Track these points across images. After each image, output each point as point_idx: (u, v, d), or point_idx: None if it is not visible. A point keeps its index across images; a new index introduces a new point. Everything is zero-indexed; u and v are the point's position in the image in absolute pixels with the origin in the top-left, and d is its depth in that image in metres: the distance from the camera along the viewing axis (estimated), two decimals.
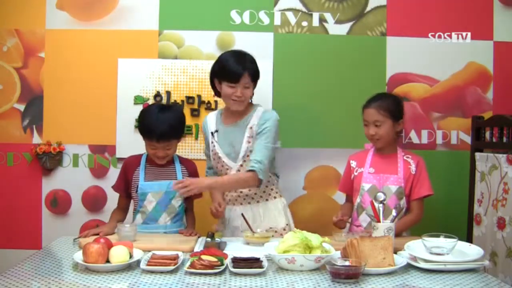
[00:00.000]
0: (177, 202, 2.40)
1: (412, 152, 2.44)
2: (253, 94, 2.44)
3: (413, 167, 2.33)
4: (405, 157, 2.36)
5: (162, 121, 2.30)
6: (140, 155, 2.47)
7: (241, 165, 2.39)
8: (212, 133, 2.48)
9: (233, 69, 2.31)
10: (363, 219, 2.34)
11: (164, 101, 2.98)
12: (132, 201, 2.49)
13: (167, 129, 2.31)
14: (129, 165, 2.45)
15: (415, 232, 2.30)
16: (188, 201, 2.51)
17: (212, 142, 2.47)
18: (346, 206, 2.48)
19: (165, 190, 2.37)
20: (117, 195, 3.00)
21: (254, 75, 2.36)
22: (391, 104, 2.34)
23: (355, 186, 2.39)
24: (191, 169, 2.50)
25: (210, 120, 2.53)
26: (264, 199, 2.45)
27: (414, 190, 2.31)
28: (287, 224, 2.45)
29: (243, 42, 2.98)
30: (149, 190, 2.36)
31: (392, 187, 2.30)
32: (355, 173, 2.42)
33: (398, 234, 2.17)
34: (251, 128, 2.40)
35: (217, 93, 2.46)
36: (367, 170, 2.36)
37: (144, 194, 2.37)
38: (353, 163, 2.45)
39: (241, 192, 2.42)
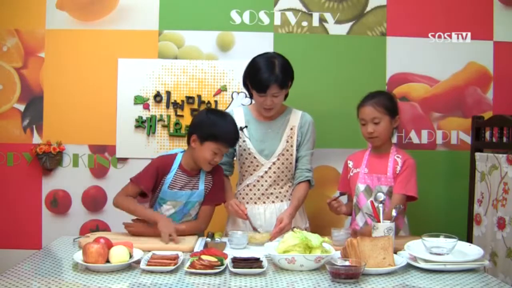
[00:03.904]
0: (194, 211, 2.34)
1: (404, 152, 2.39)
2: (287, 95, 2.43)
3: (399, 167, 2.29)
4: (395, 157, 2.33)
5: (235, 125, 2.30)
6: (173, 159, 2.30)
7: (274, 163, 2.40)
8: (241, 128, 2.42)
9: (260, 80, 2.28)
10: (360, 218, 2.34)
11: (164, 101, 2.98)
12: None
13: (238, 134, 2.33)
14: (163, 167, 2.28)
15: (415, 232, 2.30)
16: (210, 207, 2.38)
17: (240, 138, 2.41)
18: (348, 205, 2.47)
19: (185, 200, 2.29)
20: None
21: (282, 84, 2.30)
22: (386, 101, 2.32)
23: (351, 186, 2.39)
24: (217, 176, 2.36)
25: (238, 115, 2.47)
26: (287, 198, 2.44)
27: (394, 188, 2.28)
28: (307, 226, 2.47)
29: (243, 42, 2.99)
30: (169, 198, 2.28)
31: (383, 187, 2.28)
32: (351, 174, 2.41)
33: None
34: (291, 129, 2.43)
35: (251, 95, 2.45)
36: (362, 171, 2.35)
37: (163, 200, 2.29)
38: (350, 163, 2.44)
39: (266, 190, 2.42)
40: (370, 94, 2.36)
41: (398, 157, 2.33)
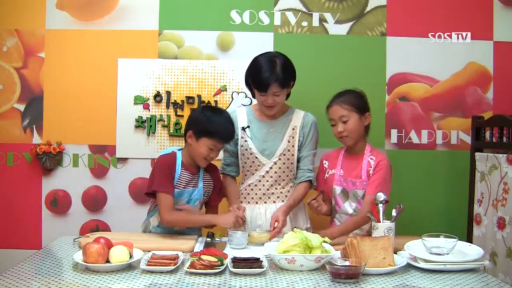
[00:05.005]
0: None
1: (379, 152, 2.33)
2: (289, 95, 2.43)
3: (372, 169, 2.25)
4: (369, 158, 2.28)
5: (230, 122, 2.31)
6: (175, 158, 2.30)
7: (275, 163, 2.40)
8: (243, 128, 2.44)
9: (261, 79, 2.28)
10: (338, 221, 2.33)
11: (164, 101, 2.98)
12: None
13: (233, 130, 2.33)
14: (172, 166, 2.27)
15: (415, 232, 2.30)
16: (213, 207, 2.43)
17: (242, 138, 2.43)
18: (328, 205, 2.43)
19: (187, 198, 2.30)
20: (117, 195, 3.02)
21: (283, 83, 2.31)
22: (353, 98, 2.29)
23: (328, 187, 2.35)
24: (215, 175, 2.41)
25: (240, 114, 2.47)
26: (288, 198, 2.43)
27: (366, 190, 2.23)
28: (308, 226, 2.47)
29: (243, 42, 2.99)
30: (174, 197, 2.25)
31: (359, 191, 2.25)
32: (327, 175, 2.38)
33: (346, 233, 2.16)
34: (293, 129, 2.43)
35: (253, 95, 2.44)
36: (338, 172, 2.32)
37: None
38: (326, 164, 2.41)
39: (267, 190, 2.42)
40: (338, 94, 2.33)
41: (372, 158, 2.28)
